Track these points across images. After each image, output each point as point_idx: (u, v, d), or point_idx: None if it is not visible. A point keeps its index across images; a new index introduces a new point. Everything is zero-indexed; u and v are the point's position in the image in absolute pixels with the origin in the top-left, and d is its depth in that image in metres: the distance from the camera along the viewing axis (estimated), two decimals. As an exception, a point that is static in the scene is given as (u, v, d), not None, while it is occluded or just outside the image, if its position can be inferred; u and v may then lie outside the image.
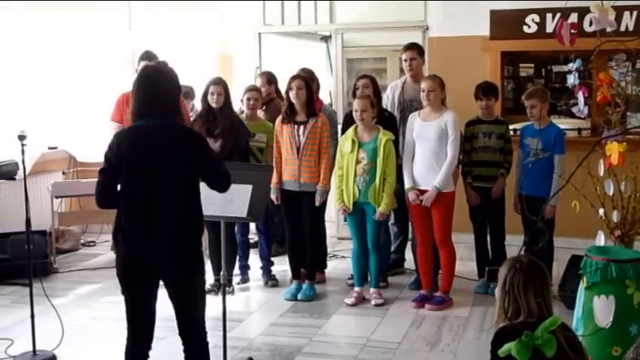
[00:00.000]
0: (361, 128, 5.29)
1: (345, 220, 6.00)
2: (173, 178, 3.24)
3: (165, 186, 3.22)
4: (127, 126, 3.56)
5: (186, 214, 3.28)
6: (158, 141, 3.25)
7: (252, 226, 6.26)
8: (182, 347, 3.42)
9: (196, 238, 3.36)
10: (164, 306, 3.40)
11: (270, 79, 6.43)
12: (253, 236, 6.41)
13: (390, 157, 5.21)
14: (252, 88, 5.91)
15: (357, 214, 5.34)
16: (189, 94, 6.85)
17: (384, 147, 5.18)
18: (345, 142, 5.33)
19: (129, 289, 3.34)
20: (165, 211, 3.22)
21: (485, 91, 5.54)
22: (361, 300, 5.39)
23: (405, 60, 5.79)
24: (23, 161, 4.31)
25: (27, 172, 4.42)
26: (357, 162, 5.25)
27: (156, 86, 3.30)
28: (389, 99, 5.93)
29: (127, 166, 3.23)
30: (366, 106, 5.21)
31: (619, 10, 5.05)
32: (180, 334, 3.40)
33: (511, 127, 5.81)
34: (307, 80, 5.48)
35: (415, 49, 5.84)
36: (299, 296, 5.50)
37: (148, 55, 5.56)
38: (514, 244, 5.10)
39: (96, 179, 3.29)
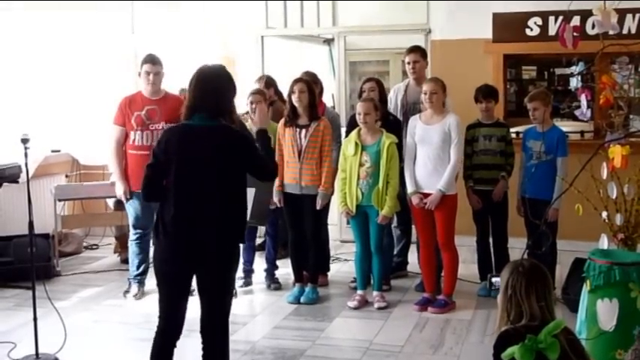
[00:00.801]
0: (364, 131, 5.28)
1: (348, 223, 5.99)
2: (216, 179, 3.29)
3: (209, 186, 3.28)
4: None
5: (228, 214, 3.32)
6: (203, 142, 3.32)
7: (262, 228, 6.25)
8: (199, 347, 3.43)
9: (236, 238, 3.42)
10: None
11: (268, 82, 6.40)
12: (259, 239, 6.40)
13: (393, 160, 5.20)
14: (255, 92, 5.90)
15: (360, 217, 5.33)
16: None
17: (387, 150, 5.17)
18: (348, 144, 5.32)
19: (166, 282, 3.39)
20: (209, 209, 3.27)
21: (485, 94, 5.54)
22: (364, 303, 5.39)
23: (408, 63, 5.79)
24: (26, 164, 4.32)
25: (30, 175, 4.42)
26: (360, 165, 5.24)
27: (208, 87, 3.36)
28: (392, 102, 5.92)
29: (174, 163, 3.30)
30: (369, 109, 5.20)
31: (621, 13, 5.06)
32: (202, 331, 3.42)
33: (513, 129, 5.80)
34: (310, 83, 5.48)
35: (418, 51, 5.85)
36: (302, 299, 5.49)
37: (151, 59, 5.56)
38: (517, 247, 5.09)
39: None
